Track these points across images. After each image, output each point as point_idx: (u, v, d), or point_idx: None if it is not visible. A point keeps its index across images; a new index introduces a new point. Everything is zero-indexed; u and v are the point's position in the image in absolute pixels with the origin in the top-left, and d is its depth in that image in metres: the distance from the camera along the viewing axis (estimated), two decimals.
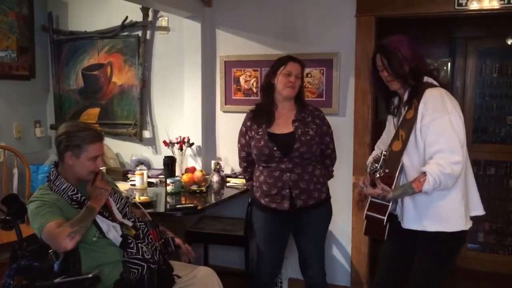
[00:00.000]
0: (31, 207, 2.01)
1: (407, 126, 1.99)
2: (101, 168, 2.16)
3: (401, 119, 2.06)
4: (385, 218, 1.99)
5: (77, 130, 2.06)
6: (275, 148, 2.42)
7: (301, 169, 2.44)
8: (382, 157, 1.94)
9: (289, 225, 2.56)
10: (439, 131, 1.89)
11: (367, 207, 2.05)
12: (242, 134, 2.60)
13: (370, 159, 2.21)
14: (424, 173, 1.88)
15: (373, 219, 2.03)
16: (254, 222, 2.66)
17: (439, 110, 1.90)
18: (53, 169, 2.12)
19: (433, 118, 1.90)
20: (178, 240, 2.32)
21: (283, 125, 2.48)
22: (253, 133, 2.51)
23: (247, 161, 2.62)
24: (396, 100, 2.16)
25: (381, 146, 2.26)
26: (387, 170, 1.97)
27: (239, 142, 2.64)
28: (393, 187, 1.95)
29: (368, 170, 1.97)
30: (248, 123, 2.56)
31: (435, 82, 2.02)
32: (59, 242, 1.88)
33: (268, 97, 2.52)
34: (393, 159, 1.99)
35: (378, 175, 1.93)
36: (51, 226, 1.91)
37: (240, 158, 2.66)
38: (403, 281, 2.23)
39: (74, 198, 2.06)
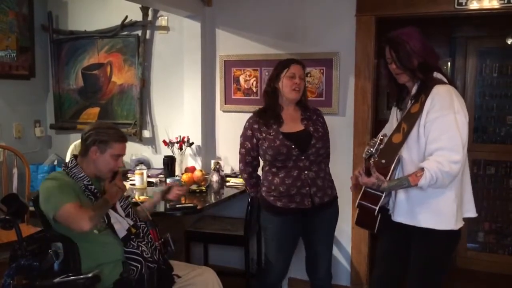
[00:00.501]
0: (49, 184, 2.05)
1: (410, 120, 1.98)
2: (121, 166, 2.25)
3: (405, 112, 2.05)
4: (377, 208, 1.99)
5: (106, 127, 2.20)
6: (293, 146, 2.40)
7: (317, 167, 2.45)
8: (378, 141, 1.92)
9: (303, 226, 2.54)
10: (443, 129, 1.88)
11: (360, 196, 2.05)
12: (247, 139, 2.53)
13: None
14: (422, 168, 1.88)
15: (364, 208, 2.03)
16: (265, 228, 2.59)
17: (446, 108, 1.89)
18: (72, 159, 2.19)
19: (438, 116, 1.89)
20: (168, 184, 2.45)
21: (292, 124, 2.49)
22: (264, 134, 2.46)
23: (252, 166, 2.58)
24: (404, 94, 2.15)
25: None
26: (383, 161, 1.96)
27: (242, 147, 2.56)
28: (388, 178, 1.94)
29: (364, 155, 1.96)
30: (255, 126, 2.50)
31: (444, 79, 2.01)
32: (78, 220, 1.93)
33: (272, 101, 2.50)
34: (391, 150, 1.98)
35: (373, 160, 1.92)
36: (73, 206, 1.96)
37: (245, 163, 2.58)
38: (401, 278, 2.23)
39: (89, 188, 2.12)
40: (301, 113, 2.53)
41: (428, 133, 1.91)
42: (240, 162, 2.61)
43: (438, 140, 1.88)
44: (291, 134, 2.44)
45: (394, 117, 2.17)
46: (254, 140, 2.50)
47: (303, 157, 2.41)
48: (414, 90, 2.02)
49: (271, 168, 2.47)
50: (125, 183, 3.24)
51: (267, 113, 2.50)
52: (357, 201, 2.06)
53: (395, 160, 1.97)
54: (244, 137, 2.55)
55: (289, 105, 2.51)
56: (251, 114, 2.60)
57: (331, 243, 2.64)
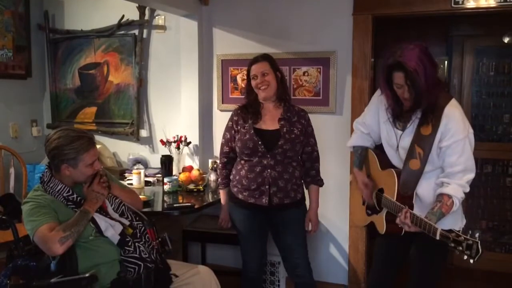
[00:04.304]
0: (25, 208, 2.00)
1: (425, 143, 1.98)
2: (99, 168, 2.14)
3: (413, 132, 2.02)
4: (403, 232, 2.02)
5: (69, 142, 2.01)
6: (259, 143, 2.46)
7: (282, 168, 2.47)
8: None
9: (266, 221, 2.59)
10: (460, 152, 1.93)
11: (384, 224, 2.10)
12: (227, 129, 2.63)
13: (351, 141, 2.32)
14: (447, 196, 1.91)
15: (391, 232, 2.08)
16: (233, 220, 2.66)
17: (461, 131, 1.93)
18: (46, 170, 2.10)
19: (456, 140, 1.93)
20: None
21: (269, 122, 2.53)
22: (239, 127, 2.55)
23: (228, 157, 2.64)
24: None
25: (362, 128, 2.29)
26: (407, 191, 2.01)
27: (223, 137, 2.66)
28: (413, 201, 2.00)
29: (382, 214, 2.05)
30: (235, 118, 2.60)
31: (444, 89, 2.06)
32: (49, 246, 1.88)
33: (251, 99, 2.58)
34: (412, 178, 2.01)
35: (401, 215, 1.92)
36: (43, 229, 1.90)
37: (222, 153, 2.66)
38: (397, 278, 2.24)
39: (70, 199, 2.05)
40: (282, 112, 2.54)
41: (445, 156, 1.96)
42: (220, 151, 2.70)
43: (459, 164, 1.94)
44: (263, 131, 2.50)
45: (392, 130, 2.13)
46: (232, 131, 2.59)
47: (268, 155, 2.45)
48: (419, 112, 1.99)
49: (240, 161, 2.56)
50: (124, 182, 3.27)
51: (248, 109, 2.58)
52: (383, 229, 2.11)
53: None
54: (226, 127, 2.65)
55: (266, 102, 2.55)
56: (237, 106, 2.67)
57: (302, 240, 2.61)
